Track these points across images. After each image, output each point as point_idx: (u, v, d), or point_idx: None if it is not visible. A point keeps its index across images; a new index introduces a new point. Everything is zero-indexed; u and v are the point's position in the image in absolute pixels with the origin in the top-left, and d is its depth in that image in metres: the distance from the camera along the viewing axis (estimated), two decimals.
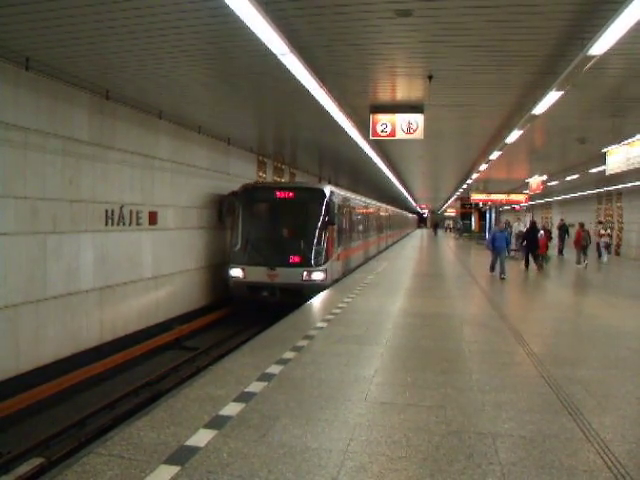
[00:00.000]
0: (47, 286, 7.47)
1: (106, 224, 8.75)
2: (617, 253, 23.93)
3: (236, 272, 11.67)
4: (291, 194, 12.12)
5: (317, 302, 9.58)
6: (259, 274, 11.39)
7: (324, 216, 11.90)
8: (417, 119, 9.03)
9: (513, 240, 21.10)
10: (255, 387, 4.59)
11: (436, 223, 65.77)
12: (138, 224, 9.65)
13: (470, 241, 38.22)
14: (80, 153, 8.10)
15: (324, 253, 11.79)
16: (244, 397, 4.33)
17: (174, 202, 11.03)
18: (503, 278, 13.67)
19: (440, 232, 60.82)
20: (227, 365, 5.39)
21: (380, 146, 13.71)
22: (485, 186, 28.51)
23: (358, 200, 18.43)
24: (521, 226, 23.87)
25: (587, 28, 5.47)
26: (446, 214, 64.05)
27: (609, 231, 22.60)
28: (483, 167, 17.24)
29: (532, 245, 16.34)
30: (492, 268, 14.73)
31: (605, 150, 12.01)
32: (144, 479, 2.98)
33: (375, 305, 9.17)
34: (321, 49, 6.40)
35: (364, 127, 10.03)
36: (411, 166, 20.76)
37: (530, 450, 3.45)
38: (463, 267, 18.41)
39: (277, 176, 18.16)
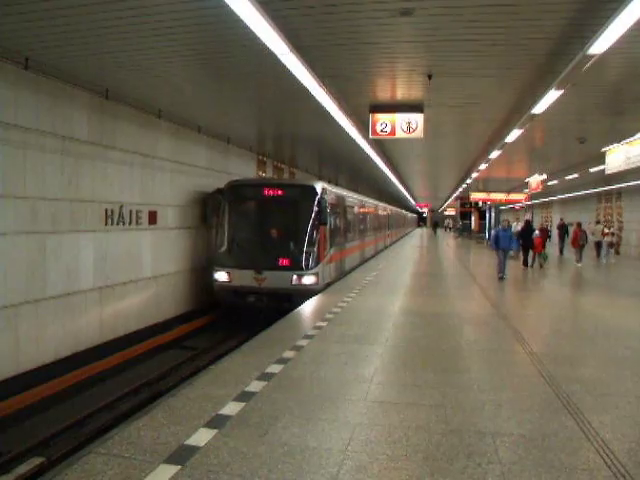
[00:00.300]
0: (47, 286, 7.47)
1: (106, 224, 8.75)
2: (617, 252, 23.96)
3: (221, 276, 10.88)
4: (280, 191, 11.33)
5: (317, 302, 9.57)
6: (245, 278, 10.61)
7: (316, 215, 11.06)
8: (417, 118, 9.02)
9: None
10: (255, 386, 4.59)
11: (436, 222, 65.67)
12: (138, 224, 9.65)
13: (469, 240, 38.25)
14: (80, 152, 8.09)
15: (316, 255, 10.95)
16: (244, 396, 4.33)
17: (175, 202, 11.02)
18: (503, 278, 13.68)
19: (440, 231, 60.85)
20: (227, 364, 5.39)
21: (380, 145, 13.71)
22: (485, 185, 28.50)
23: (354, 198, 17.39)
24: (519, 226, 23.83)
25: (587, 27, 5.47)
26: (446, 213, 64.08)
27: (612, 230, 22.63)
28: (483, 166, 17.25)
29: (527, 244, 16.78)
30: (500, 271, 13.54)
31: (605, 149, 12.01)
32: (144, 479, 2.98)
33: (375, 304, 9.17)
34: (321, 49, 6.38)
35: (364, 126, 10.02)
36: (411, 165, 20.76)
37: (530, 449, 3.45)
38: (462, 266, 18.43)
39: (277, 175, 18.14)
